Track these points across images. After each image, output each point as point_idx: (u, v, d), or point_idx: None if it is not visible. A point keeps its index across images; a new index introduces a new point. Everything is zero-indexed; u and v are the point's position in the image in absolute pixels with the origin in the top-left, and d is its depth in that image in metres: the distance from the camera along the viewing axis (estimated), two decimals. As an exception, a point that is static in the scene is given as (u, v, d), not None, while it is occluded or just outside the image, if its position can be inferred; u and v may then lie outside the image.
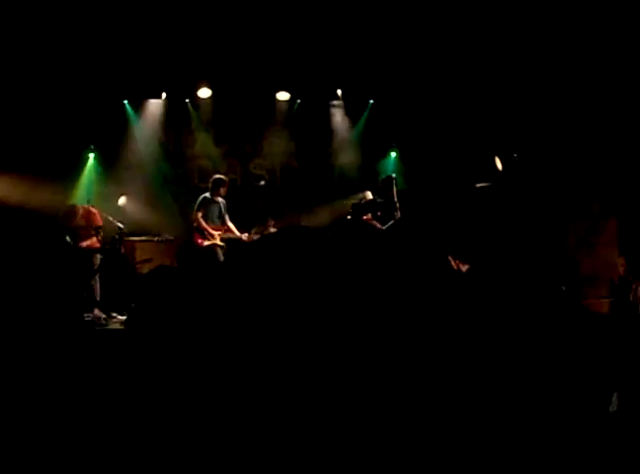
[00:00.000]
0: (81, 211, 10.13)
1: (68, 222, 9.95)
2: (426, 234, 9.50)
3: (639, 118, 9.14)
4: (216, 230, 10.65)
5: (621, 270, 9.48)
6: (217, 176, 11.08)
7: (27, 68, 11.11)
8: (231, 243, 10.61)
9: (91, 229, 9.89)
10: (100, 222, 10.19)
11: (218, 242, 10.56)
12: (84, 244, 9.75)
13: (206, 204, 10.71)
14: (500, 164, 10.55)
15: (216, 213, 10.78)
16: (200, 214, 10.61)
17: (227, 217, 10.91)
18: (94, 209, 10.28)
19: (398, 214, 10.33)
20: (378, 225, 10.26)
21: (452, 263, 9.64)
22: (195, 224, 10.66)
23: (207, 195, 10.79)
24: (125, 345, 2.95)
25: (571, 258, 9.33)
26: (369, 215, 10.41)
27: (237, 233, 10.79)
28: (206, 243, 10.55)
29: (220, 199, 10.82)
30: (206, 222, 10.61)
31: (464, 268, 9.50)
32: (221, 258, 10.47)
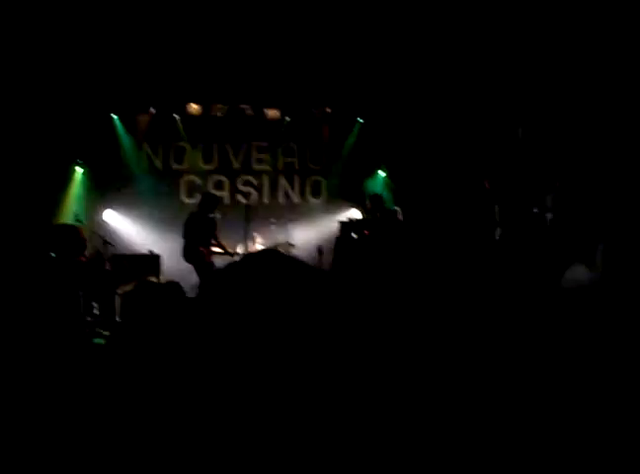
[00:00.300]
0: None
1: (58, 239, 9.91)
2: (414, 252, 9.54)
3: (627, 149, 9.20)
4: (207, 247, 10.64)
5: None
6: (208, 192, 11.05)
7: (14, 82, 11.07)
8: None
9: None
10: (85, 239, 10.15)
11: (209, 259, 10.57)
12: (69, 258, 9.68)
13: (197, 222, 10.76)
14: (487, 184, 10.57)
15: (209, 230, 10.84)
16: (190, 231, 10.68)
17: (219, 234, 10.99)
18: (79, 226, 10.24)
19: (386, 232, 10.35)
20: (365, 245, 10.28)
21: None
22: (184, 242, 10.65)
23: (199, 212, 10.84)
24: (108, 360, 2.90)
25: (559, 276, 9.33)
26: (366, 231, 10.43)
27: (228, 249, 10.82)
28: (198, 259, 10.58)
29: (215, 215, 10.90)
30: (197, 240, 10.63)
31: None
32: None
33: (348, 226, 10.87)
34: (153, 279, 9.78)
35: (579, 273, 3.81)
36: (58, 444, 2.08)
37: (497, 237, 10.36)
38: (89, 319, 9.53)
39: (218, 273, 1.47)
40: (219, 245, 10.84)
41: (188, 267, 10.67)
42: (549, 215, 9.74)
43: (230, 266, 1.49)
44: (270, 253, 1.51)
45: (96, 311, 9.63)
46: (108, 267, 10.64)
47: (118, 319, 10.10)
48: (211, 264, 10.59)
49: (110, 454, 2.01)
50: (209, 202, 10.85)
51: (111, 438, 2.06)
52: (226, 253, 10.77)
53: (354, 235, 10.47)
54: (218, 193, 12.47)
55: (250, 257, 1.54)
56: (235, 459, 1.32)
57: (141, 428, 1.99)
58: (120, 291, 10.42)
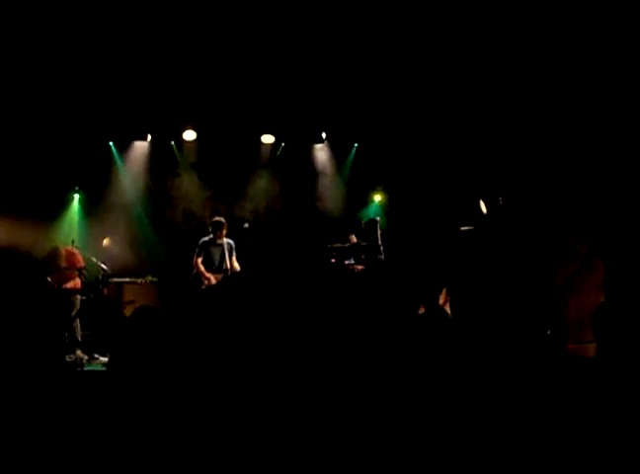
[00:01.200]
0: (64, 253, 10.10)
1: (51, 263, 9.91)
2: (409, 276, 9.53)
3: (627, 162, 9.21)
4: (215, 273, 10.52)
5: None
6: (217, 218, 11.04)
7: (13, 109, 11.11)
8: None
9: (73, 270, 9.84)
10: (82, 264, 10.16)
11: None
12: (66, 285, 9.69)
13: (206, 248, 10.67)
14: (484, 207, 10.59)
15: (217, 256, 10.70)
16: (199, 260, 10.60)
17: (234, 258, 10.78)
18: (75, 250, 10.24)
19: (382, 257, 10.34)
20: (359, 267, 10.27)
21: (442, 298, 9.68)
22: (194, 270, 10.63)
23: (206, 238, 10.76)
24: (107, 386, 2.91)
25: (557, 301, 9.33)
26: (353, 260, 10.42)
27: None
28: (204, 286, 10.46)
29: (225, 241, 10.74)
30: (205, 267, 10.56)
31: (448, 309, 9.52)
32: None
33: (343, 251, 10.85)
34: (151, 305, 9.76)
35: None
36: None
37: (493, 261, 10.37)
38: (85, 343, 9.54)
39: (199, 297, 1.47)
40: (232, 269, 10.68)
41: (187, 293, 10.67)
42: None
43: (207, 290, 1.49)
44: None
45: (79, 336, 9.61)
46: (105, 293, 10.64)
47: (116, 344, 10.10)
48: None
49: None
50: (215, 227, 10.76)
51: (103, 462, 2.06)
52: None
53: (347, 262, 10.45)
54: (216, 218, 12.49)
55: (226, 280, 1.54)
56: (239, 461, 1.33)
57: (135, 451, 2.00)
58: (117, 317, 10.43)
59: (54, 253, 9.98)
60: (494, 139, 10.93)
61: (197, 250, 10.69)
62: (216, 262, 10.65)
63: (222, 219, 10.95)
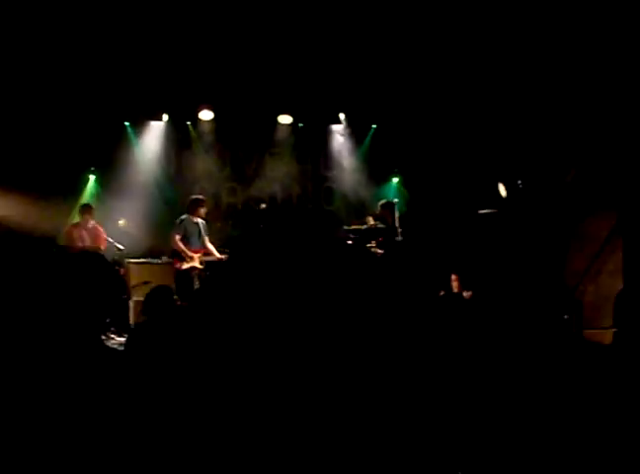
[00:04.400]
0: (90, 225, 10.42)
1: (70, 242, 10.06)
2: (427, 259, 9.47)
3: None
4: (196, 253, 10.43)
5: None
6: (195, 196, 10.91)
7: (29, 89, 11.09)
8: (211, 265, 10.40)
9: (95, 249, 10.02)
10: (103, 244, 10.30)
11: (197, 265, 10.36)
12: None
13: (184, 226, 10.49)
14: (504, 190, 10.49)
15: (196, 235, 10.56)
16: (177, 237, 10.39)
17: (207, 239, 10.63)
18: (101, 229, 10.49)
19: (399, 239, 10.28)
20: (379, 251, 10.21)
21: (454, 283, 9.62)
22: (173, 247, 10.51)
23: (184, 216, 10.59)
24: (125, 365, 2.86)
25: (575, 286, 9.25)
26: (373, 242, 10.36)
27: (217, 254, 10.51)
28: (185, 266, 10.34)
29: (200, 220, 10.59)
30: (185, 245, 10.41)
31: (467, 294, 9.46)
32: (196, 284, 10.18)
33: (361, 233, 10.80)
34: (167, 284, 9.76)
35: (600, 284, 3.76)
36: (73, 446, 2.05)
37: (512, 245, 10.28)
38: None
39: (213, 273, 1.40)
40: (207, 250, 10.55)
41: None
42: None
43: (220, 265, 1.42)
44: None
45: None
46: (122, 273, 10.68)
47: (131, 324, 10.13)
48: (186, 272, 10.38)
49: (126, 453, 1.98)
50: (193, 205, 10.62)
51: (126, 442, 2.02)
52: (212, 259, 10.49)
53: (366, 244, 10.38)
54: (232, 199, 12.45)
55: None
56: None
57: (153, 435, 1.96)
58: (133, 297, 10.47)
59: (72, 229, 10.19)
60: (514, 121, 10.81)
61: (174, 227, 10.53)
62: (194, 241, 10.48)
63: (201, 197, 10.86)
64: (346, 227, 11.04)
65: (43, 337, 2.41)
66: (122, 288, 10.39)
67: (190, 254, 10.34)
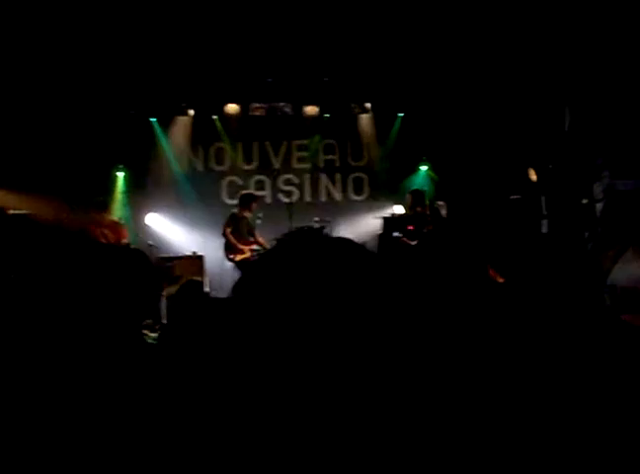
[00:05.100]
0: (107, 221, 10.28)
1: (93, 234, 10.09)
2: (459, 247, 9.38)
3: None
4: (247, 245, 10.64)
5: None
6: (246, 191, 11.08)
7: (56, 88, 11.15)
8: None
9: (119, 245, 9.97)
10: (126, 238, 10.30)
11: (249, 256, 10.53)
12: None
13: (235, 221, 10.70)
14: (534, 175, 10.37)
15: (245, 229, 10.77)
16: (228, 230, 10.69)
17: (256, 233, 10.92)
18: (122, 224, 10.43)
19: (430, 228, 10.19)
20: (410, 242, 10.13)
21: (491, 272, 9.50)
22: (225, 241, 10.69)
23: (236, 211, 10.80)
24: (159, 359, 2.83)
25: (609, 271, 9.12)
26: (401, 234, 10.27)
27: (268, 246, 10.62)
28: (239, 258, 10.54)
29: (249, 215, 10.82)
30: (237, 238, 10.62)
31: (501, 280, 9.35)
32: None
33: (391, 223, 10.74)
34: (198, 279, 9.77)
35: (634, 266, 3.61)
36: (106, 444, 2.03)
37: (544, 230, 10.17)
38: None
39: (251, 266, 1.35)
40: (257, 243, 10.80)
41: (231, 266, 10.71)
42: (599, 206, 9.49)
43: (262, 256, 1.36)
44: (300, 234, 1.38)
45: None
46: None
47: (164, 321, 10.15)
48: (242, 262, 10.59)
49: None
50: (245, 201, 10.88)
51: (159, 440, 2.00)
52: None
53: (395, 234, 10.30)
54: (260, 192, 12.44)
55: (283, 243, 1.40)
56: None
57: (185, 428, 1.93)
58: (165, 293, 10.47)
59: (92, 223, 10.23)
60: (544, 105, 10.68)
61: (226, 222, 10.84)
62: (245, 235, 10.80)
63: (253, 193, 11.06)
64: (375, 217, 10.97)
65: (85, 333, 2.40)
66: (160, 285, 10.41)
67: (240, 246, 10.65)
